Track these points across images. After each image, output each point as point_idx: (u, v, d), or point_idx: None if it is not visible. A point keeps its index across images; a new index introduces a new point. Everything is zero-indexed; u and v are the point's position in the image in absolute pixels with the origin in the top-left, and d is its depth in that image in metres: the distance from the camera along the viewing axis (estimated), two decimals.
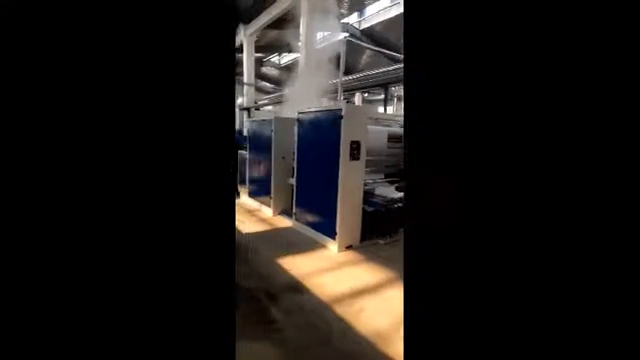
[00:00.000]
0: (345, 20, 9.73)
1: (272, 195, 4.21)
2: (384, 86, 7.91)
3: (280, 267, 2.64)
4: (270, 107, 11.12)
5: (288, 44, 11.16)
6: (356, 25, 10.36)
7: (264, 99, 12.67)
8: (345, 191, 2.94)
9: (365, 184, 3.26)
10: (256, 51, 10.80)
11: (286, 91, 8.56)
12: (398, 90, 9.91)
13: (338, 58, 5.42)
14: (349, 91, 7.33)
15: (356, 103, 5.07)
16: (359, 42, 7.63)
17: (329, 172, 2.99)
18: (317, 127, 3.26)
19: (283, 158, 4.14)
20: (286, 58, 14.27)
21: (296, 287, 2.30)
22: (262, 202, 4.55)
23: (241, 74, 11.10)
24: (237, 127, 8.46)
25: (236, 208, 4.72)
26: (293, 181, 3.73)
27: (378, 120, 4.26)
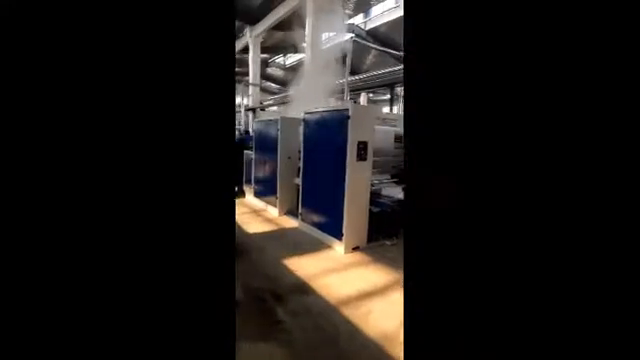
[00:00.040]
0: (351, 21, 9.71)
1: (278, 195, 4.21)
2: (390, 86, 7.87)
3: (286, 268, 2.63)
4: (275, 107, 11.15)
5: (293, 45, 11.19)
6: (361, 26, 10.34)
7: (269, 99, 12.71)
8: (352, 192, 2.91)
9: (372, 185, 3.23)
10: (262, 52, 10.85)
11: (291, 91, 8.57)
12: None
13: (343, 58, 5.40)
14: (355, 91, 7.30)
15: (361, 103, 5.05)
16: (365, 42, 7.60)
17: (335, 172, 2.97)
18: (324, 127, 3.25)
19: (289, 158, 4.13)
20: (291, 59, 14.30)
21: (302, 288, 2.28)
22: (268, 202, 4.55)
23: (246, 75, 11.16)
24: (243, 127, 8.50)
25: (242, 208, 4.74)
26: (299, 181, 3.72)
27: (385, 120, 4.23)
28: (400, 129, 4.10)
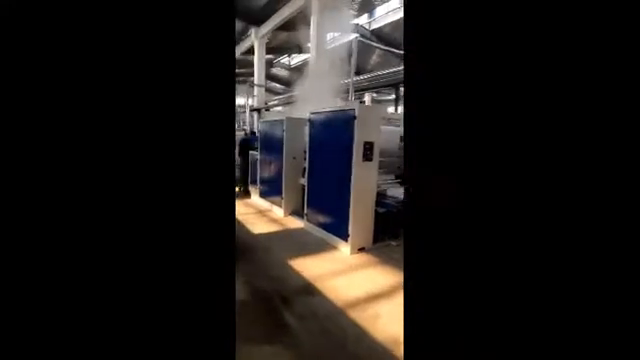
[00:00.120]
0: (355, 21, 9.69)
1: (283, 195, 4.20)
2: (394, 86, 7.82)
3: (292, 269, 2.61)
4: (280, 108, 11.17)
5: (298, 45, 11.20)
6: (366, 26, 10.31)
7: (274, 100, 12.74)
8: (358, 192, 2.89)
9: (377, 185, 3.20)
10: (266, 52, 10.89)
11: (296, 92, 8.57)
12: None
13: (348, 58, 5.38)
14: (359, 91, 7.27)
15: (366, 103, 5.02)
16: (369, 42, 7.57)
17: (341, 173, 2.95)
18: (329, 127, 3.23)
19: (294, 158, 4.12)
20: (296, 59, 14.32)
21: (308, 290, 2.27)
22: (273, 202, 4.54)
23: (251, 75, 11.20)
24: (248, 128, 8.53)
25: (247, 208, 4.74)
26: (304, 181, 3.70)
27: (390, 120, 4.19)
28: None
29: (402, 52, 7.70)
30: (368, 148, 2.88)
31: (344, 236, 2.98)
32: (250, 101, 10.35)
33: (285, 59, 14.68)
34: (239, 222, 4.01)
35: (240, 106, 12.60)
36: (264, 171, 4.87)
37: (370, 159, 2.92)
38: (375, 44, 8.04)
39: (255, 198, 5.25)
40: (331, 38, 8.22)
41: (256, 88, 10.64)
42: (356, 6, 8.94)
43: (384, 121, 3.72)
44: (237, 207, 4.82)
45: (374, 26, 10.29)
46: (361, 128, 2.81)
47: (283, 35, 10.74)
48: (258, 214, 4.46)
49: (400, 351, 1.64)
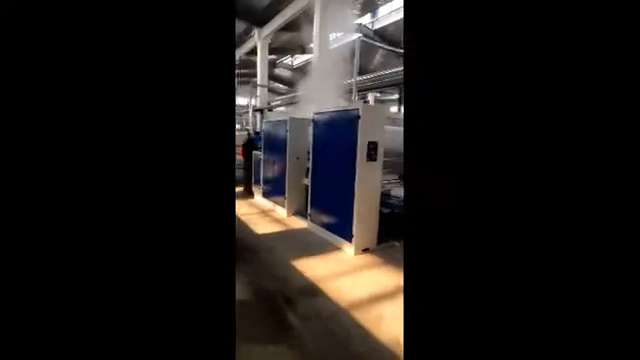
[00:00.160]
0: (358, 21, 9.67)
1: (286, 195, 4.20)
2: (398, 86, 7.78)
3: (295, 269, 2.60)
4: (282, 108, 11.18)
5: (301, 45, 11.20)
6: (369, 26, 10.28)
7: (277, 100, 12.76)
8: (362, 192, 2.87)
9: (381, 185, 3.18)
10: (269, 53, 10.91)
11: (299, 92, 8.57)
12: None
13: (351, 58, 5.37)
14: (362, 91, 7.26)
15: (370, 103, 5.01)
16: (372, 42, 7.54)
17: (345, 173, 2.94)
18: (333, 127, 3.22)
19: (297, 158, 4.12)
20: (299, 59, 14.34)
21: (312, 290, 2.26)
22: (276, 202, 4.54)
23: (255, 76, 11.23)
24: (252, 128, 8.55)
25: (251, 208, 4.75)
26: (308, 181, 3.70)
27: (394, 120, 4.17)
28: None
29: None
30: (372, 148, 2.87)
31: (348, 237, 2.97)
32: (253, 101, 10.39)
33: (288, 59, 14.71)
34: (242, 222, 4.01)
35: (243, 106, 12.64)
36: (267, 171, 4.87)
37: (374, 159, 2.90)
38: (378, 44, 8.02)
39: (258, 198, 5.25)
40: (334, 38, 8.21)
41: (259, 88, 10.67)
42: (359, 6, 8.92)
43: (388, 121, 3.70)
44: (240, 207, 4.83)
45: (377, 26, 10.26)
46: (365, 128, 2.80)
47: (286, 36, 10.76)
48: (261, 214, 4.46)
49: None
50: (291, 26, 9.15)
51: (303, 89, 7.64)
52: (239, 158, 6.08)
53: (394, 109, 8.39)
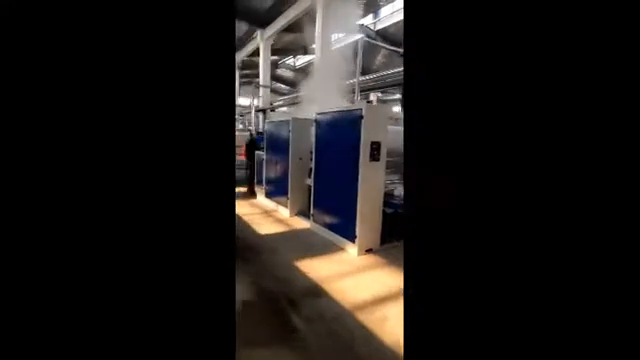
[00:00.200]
0: (360, 21, 9.66)
1: (289, 196, 4.19)
2: (400, 86, 7.76)
3: (298, 270, 2.59)
4: (285, 108, 11.20)
5: (303, 46, 11.20)
6: (371, 26, 10.27)
7: (279, 100, 12.78)
8: (365, 193, 2.86)
9: (384, 185, 3.17)
10: (272, 54, 10.93)
11: (301, 92, 8.57)
12: None
13: (354, 59, 5.36)
14: (365, 91, 7.25)
15: (373, 103, 5.00)
16: (375, 42, 7.53)
17: (348, 173, 2.93)
18: (336, 128, 3.21)
19: (300, 159, 4.11)
20: (301, 60, 14.36)
21: (315, 292, 2.24)
22: (279, 202, 4.54)
23: (257, 77, 11.26)
24: (254, 128, 8.57)
25: (253, 209, 4.75)
26: (310, 182, 3.69)
27: (397, 120, 4.16)
28: None
29: None
30: (375, 148, 2.85)
31: (351, 237, 2.95)
32: (256, 102, 10.41)
33: (290, 60, 14.73)
34: (245, 222, 4.01)
35: (246, 107, 12.66)
36: (270, 171, 4.87)
37: (377, 159, 2.89)
38: (381, 44, 8.01)
39: (261, 198, 5.25)
40: (335, 39, 8.22)
41: (261, 89, 10.70)
42: (361, 6, 8.91)
43: (391, 121, 3.69)
44: (243, 207, 4.83)
45: (379, 26, 10.25)
46: (368, 128, 2.79)
47: (288, 37, 10.78)
48: (264, 214, 4.46)
49: None
50: (293, 27, 9.17)
51: (305, 89, 7.64)
52: (242, 158, 6.09)
53: (396, 109, 8.37)
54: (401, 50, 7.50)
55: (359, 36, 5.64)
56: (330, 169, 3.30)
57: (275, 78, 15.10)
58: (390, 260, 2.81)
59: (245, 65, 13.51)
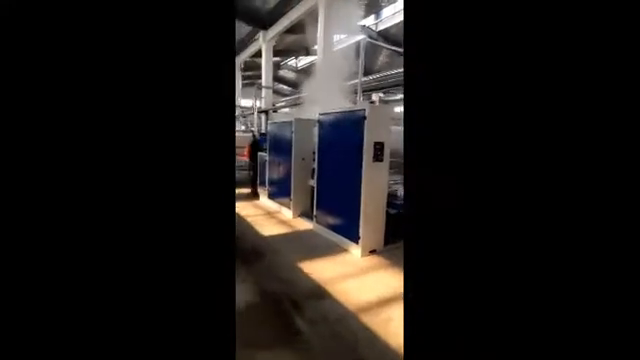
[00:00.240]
0: (362, 22, 9.66)
1: (292, 197, 4.19)
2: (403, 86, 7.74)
3: (301, 271, 2.58)
4: (287, 109, 11.21)
5: (305, 47, 11.23)
6: (373, 27, 10.26)
7: (282, 101, 12.81)
8: (368, 193, 2.85)
9: (388, 186, 3.15)
10: (274, 55, 10.96)
11: (303, 93, 8.58)
12: None
13: (356, 59, 5.35)
14: (367, 92, 7.24)
15: (376, 103, 4.99)
16: (378, 43, 7.52)
17: (351, 174, 2.92)
18: (339, 128, 3.20)
19: (303, 159, 4.11)
20: (303, 61, 14.38)
21: (319, 293, 2.23)
22: (282, 204, 4.53)
23: (259, 78, 11.29)
24: (256, 129, 8.59)
25: (256, 210, 4.75)
26: (313, 182, 3.68)
27: (400, 121, 4.14)
28: None
29: None
30: (379, 149, 2.84)
31: (355, 238, 2.94)
32: (258, 103, 10.43)
33: (292, 61, 14.76)
34: (248, 224, 4.01)
35: (248, 108, 12.70)
36: (273, 172, 4.87)
37: (381, 160, 2.88)
38: (383, 44, 7.99)
39: (264, 199, 5.25)
40: (337, 40, 8.22)
41: (264, 90, 10.71)
42: (363, 7, 8.91)
43: (394, 121, 3.67)
44: (246, 208, 4.84)
45: (381, 27, 10.24)
46: (371, 128, 2.78)
47: (290, 38, 10.80)
48: (267, 215, 4.46)
49: None
50: (295, 28, 9.18)
51: (307, 90, 7.65)
52: (245, 159, 6.10)
53: (398, 109, 8.35)
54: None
55: (361, 37, 5.63)
56: (333, 170, 3.29)
57: (277, 79, 15.14)
58: (394, 261, 2.79)
59: (247, 66, 13.56)
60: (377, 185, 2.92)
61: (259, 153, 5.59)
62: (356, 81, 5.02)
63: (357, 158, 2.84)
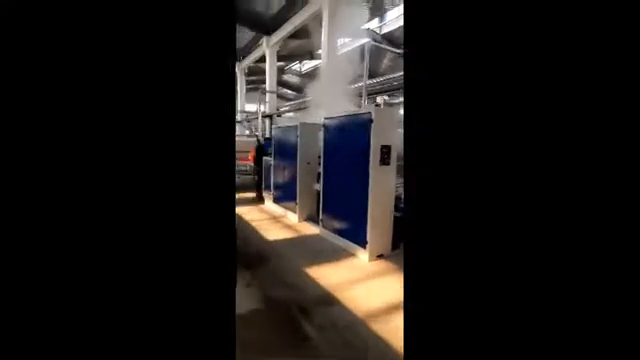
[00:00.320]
0: (366, 25, 9.70)
1: (297, 201, 4.17)
2: None
3: (308, 277, 2.55)
4: (291, 114, 11.26)
5: (309, 51, 11.30)
6: (377, 30, 10.30)
7: (285, 106, 12.88)
8: (376, 197, 2.81)
9: (395, 189, 3.11)
10: (278, 60, 11.04)
11: (308, 97, 8.61)
12: None
13: (360, 63, 5.35)
14: (372, 95, 7.23)
15: (381, 106, 4.97)
16: (382, 45, 7.52)
17: (358, 178, 2.89)
18: (345, 132, 3.18)
19: (308, 163, 4.10)
20: (307, 65, 14.47)
21: (327, 299, 2.19)
22: (287, 208, 4.51)
23: (263, 83, 11.38)
24: (261, 133, 8.62)
25: (261, 214, 4.74)
26: (319, 187, 3.66)
27: None
28: None
29: None
30: (385, 152, 2.81)
31: (362, 242, 2.90)
32: (262, 108, 10.50)
33: (296, 66, 14.86)
34: (253, 228, 4.00)
35: (253, 113, 12.78)
36: (278, 177, 4.86)
37: (387, 163, 2.84)
38: (387, 47, 8.00)
39: (269, 204, 5.24)
40: (341, 43, 8.25)
41: (268, 95, 10.78)
42: (367, 11, 8.96)
43: (400, 124, 3.64)
44: (251, 213, 4.83)
45: (385, 30, 10.27)
46: (378, 132, 2.75)
47: (294, 42, 10.88)
48: (272, 220, 4.44)
49: None
50: (299, 33, 9.25)
51: (312, 94, 7.66)
52: (250, 163, 6.11)
53: (402, 111, 8.31)
54: None
55: (365, 40, 5.64)
56: (339, 174, 3.27)
57: (281, 84, 15.24)
58: (402, 266, 2.74)
59: (251, 71, 13.68)
60: (384, 189, 2.88)
61: (264, 157, 5.60)
62: (361, 84, 5.02)
63: (363, 162, 2.82)
